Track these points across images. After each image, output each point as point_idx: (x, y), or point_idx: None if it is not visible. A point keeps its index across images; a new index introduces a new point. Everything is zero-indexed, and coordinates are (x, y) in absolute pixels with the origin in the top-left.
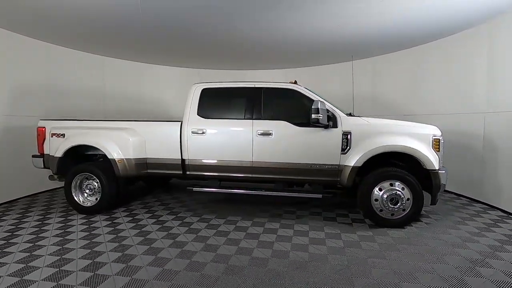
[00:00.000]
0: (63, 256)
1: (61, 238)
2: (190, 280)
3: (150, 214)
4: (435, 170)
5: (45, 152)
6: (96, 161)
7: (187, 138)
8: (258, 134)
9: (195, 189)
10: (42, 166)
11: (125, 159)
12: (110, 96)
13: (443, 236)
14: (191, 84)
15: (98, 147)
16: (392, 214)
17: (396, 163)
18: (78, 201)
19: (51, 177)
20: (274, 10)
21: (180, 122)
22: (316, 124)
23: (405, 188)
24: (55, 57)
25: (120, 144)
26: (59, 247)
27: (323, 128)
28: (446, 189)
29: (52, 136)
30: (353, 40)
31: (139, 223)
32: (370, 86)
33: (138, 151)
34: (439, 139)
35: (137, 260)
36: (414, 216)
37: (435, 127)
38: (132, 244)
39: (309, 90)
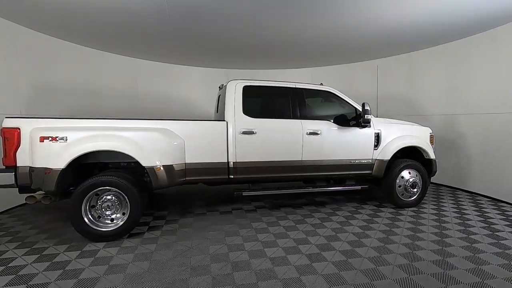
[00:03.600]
0: None
1: None
2: None
3: (190, 229)
4: (433, 159)
5: (19, 164)
6: (116, 171)
7: (235, 138)
8: (308, 134)
9: (244, 193)
10: (13, 183)
11: (164, 166)
12: (142, 97)
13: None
14: (218, 84)
15: (126, 153)
16: (410, 197)
17: (398, 156)
18: (94, 226)
19: (30, 199)
20: (302, 8)
21: (225, 122)
22: (364, 124)
23: (417, 175)
24: (89, 59)
25: (157, 148)
26: None
27: (359, 128)
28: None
29: (42, 141)
30: (384, 36)
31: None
32: (403, 84)
33: (178, 156)
34: (433, 136)
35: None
36: (422, 197)
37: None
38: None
39: (339, 92)
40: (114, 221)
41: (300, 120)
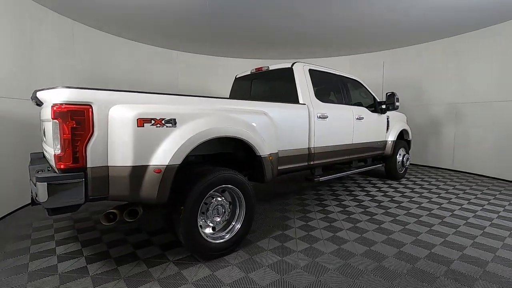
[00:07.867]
0: None
1: None
2: None
3: (304, 245)
4: (411, 139)
5: (90, 164)
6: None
7: (314, 123)
8: (356, 119)
9: (321, 179)
10: (80, 197)
11: (273, 154)
12: (182, 89)
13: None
14: None
15: (246, 140)
16: (401, 171)
17: None
18: (209, 238)
19: (107, 218)
20: None
21: (306, 105)
22: (393, 109)
23: (406, 152)
24: (134, 52)
25: (267, 133)
26: None
27: (381, 113)
28: None
29: (141, 125)
30: (426, 17)
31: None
32: (444, 70)
33: (278, 143)
34: (407, 120)
35: None
36: (407, 170)
37: None
38: None
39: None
40: (236, 230)
41: (350, 106)
